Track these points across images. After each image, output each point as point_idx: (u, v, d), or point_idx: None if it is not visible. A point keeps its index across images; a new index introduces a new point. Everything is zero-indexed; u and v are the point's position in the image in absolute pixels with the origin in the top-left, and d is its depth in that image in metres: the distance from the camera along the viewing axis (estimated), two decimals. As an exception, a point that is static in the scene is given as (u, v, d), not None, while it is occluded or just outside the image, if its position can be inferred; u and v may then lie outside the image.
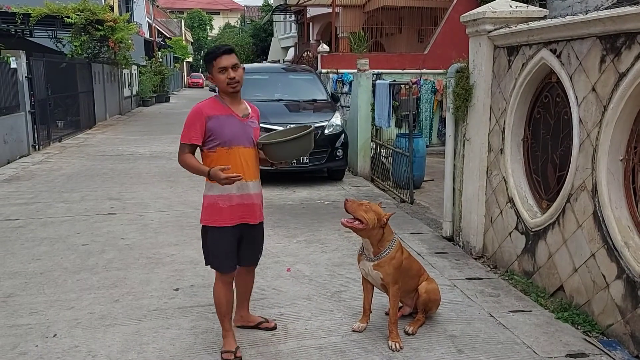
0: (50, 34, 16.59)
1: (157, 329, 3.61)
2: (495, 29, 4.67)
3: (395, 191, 7.77)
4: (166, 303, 4.01)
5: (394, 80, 8.50)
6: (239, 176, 2.95)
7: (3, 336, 3.49)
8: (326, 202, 7.25)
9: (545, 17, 4.51)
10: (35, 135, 11.70)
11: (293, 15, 23.95)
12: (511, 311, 3.90)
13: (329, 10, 16.80)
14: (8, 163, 10.01)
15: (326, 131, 8.29)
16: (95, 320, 3.72)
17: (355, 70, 9.14)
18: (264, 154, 3.24)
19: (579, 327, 3.64)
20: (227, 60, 3.07)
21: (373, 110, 8.58)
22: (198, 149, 3.19)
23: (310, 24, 22.54)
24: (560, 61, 3.93)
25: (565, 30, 3.80)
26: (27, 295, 4.13)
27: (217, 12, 70.22)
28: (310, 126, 3.21)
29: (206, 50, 3.20)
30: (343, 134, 8.56)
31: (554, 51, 4.00)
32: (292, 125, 8.58)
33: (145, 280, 4.44)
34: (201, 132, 3.04)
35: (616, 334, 3.44)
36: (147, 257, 5.00)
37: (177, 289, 4.27)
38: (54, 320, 3.72)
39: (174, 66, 42.27)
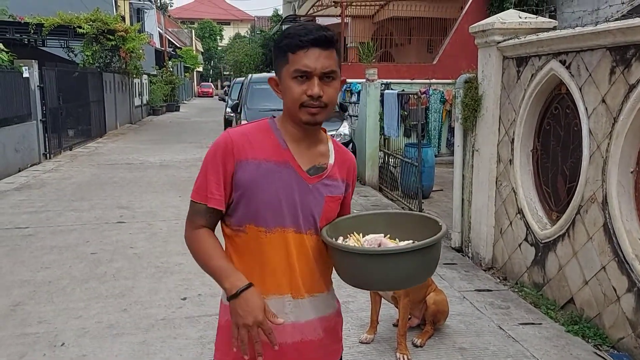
0: (63, 44, 16.80)
1: (164, 338, 3.61)
2: (505, 40, 4.67)
3: (403, 201, 7.75)
4: (174, 312, 4.02)
5: (403, 90, 8.51)
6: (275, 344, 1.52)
7: (11, 345, 3.51)
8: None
9: (554, 28, 4.51)
10: (47, 144, 11.81)
11: (302, 26, 24.05)
12: (521, 324, 3.86)
13: (338, 20, 16.88)
14: (19, 171, 10.10)
15: (334, 141, 8.33)
16: (103, 330, 3.72)
17: (364, 80, 9.16)
18: (333, 265, 1.64)
19: (589, 340, 3.60)
20: (317, 58, 1.51)
21: (381, 119, 8.58)
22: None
23: (320, 34, 22.61)
24: (570, 72, 3.91)
25: (575, 41, 3.79)
26: (36, 304, 4.15)
27: (227, 23, 70.75)
28: (441, 225, 1.60)
29: (283, 30, 1.66)
30: (351, 143, 8.58)
31: (563, 62, 3.99)
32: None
33: (153, 290, 4.45)
34: (222, 186, 1.57)
35: (627, 348, 3.39)
36: (155, 266, 5.01)
37: (184, 299, 4.28)
38: (62, 329, 3.73)
39: (184, 75, 42.60)
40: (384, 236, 1.64)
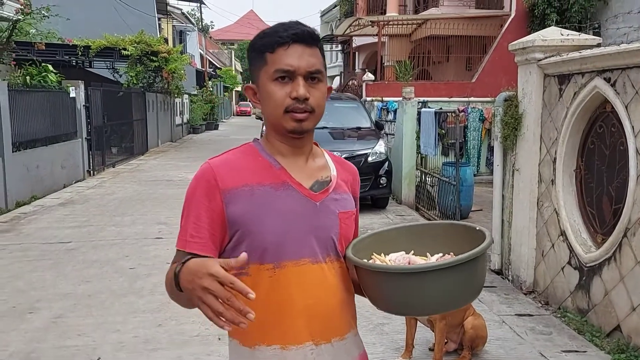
0: (108, 65, 17.45)
1: (198, 354, 3.62)
2: (546, 57, 4.57)
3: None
4: (208, 329, 4.03)
5: (441, 108, 8.44)
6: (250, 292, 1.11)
7: (51, 357, 3.58)
8: (370, 231, 7.17)
9: (598, 45, 4.39)
10: (91, 161, 12.20)
11: (339, 45, 24.29)
12: (564, 351, 3.70)
13: (375, 39, 16.95)
14: (64, 187, 10.44)
15: (370, 159, 8.30)
16: (139, 345, 3.77)
17: (400, 99, 9.13)
18: (360, 284, 1.39)
19: (639, 371, 3.41)
20: (301, 55, 1.31)
21: (418, 138, 8.51)
22: None
23: (356, 53, 22.78)
24: (615, 90, 3.79)
25: (620, 58, 3.67)
26: (76, 317, 4.24)
27: (266, 43, 71.92)
28: (479, 229, 1.38)
29: (258, 33, 1.39)
30: (387, 162, 8.53)
31: (608, 80, 3.87)
32: (336, 152, 8.75)
33: (188, 306, 4.48)
34: (206, 226, 1.31)
35: (681, 381, 3.20)
36: (191, 283, 5.05)
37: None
38: (100, 343, 3.79)
39: (224, 95, 43.52)
40: (411, 253, 1.43)
